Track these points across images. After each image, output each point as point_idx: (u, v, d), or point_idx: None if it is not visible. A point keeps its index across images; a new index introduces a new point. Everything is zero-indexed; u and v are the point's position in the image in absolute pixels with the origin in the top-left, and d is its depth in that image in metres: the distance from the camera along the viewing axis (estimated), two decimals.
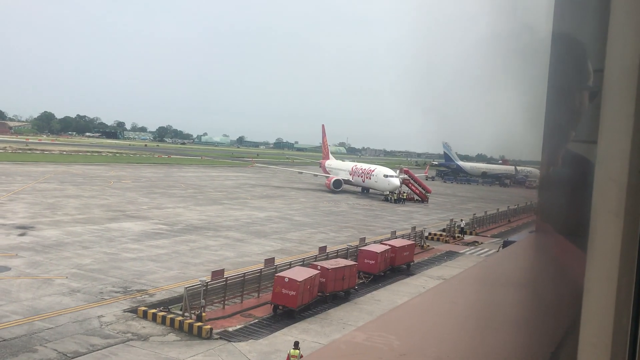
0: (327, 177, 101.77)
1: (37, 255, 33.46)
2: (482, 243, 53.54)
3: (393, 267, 37.40)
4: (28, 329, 21.59)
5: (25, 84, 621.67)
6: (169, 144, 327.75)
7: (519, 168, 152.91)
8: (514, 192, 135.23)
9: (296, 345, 20.82)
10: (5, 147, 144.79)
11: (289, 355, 20.65)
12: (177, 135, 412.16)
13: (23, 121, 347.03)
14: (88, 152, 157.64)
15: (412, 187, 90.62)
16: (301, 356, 20.13)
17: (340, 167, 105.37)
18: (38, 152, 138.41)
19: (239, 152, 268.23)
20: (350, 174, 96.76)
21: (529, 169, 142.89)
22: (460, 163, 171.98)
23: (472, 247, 50.92)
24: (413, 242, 42.88)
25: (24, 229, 40.98)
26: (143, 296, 27.31)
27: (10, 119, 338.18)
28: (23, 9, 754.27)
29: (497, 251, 42.90)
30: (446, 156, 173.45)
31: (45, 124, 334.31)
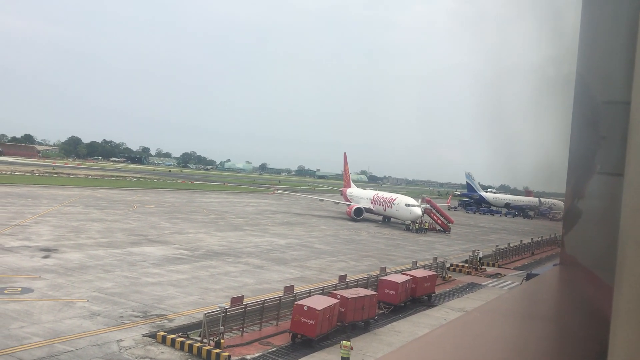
0: (348, 205, 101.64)
1: (60, 277, 33.80)
2: (504, 275, 52.66)
3: (414, 298, 36.93)
4: (48, 351, 21.70)
5: (54, 109, 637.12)
6: (193, 170, 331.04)
7: (543, 200, 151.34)
8: (537, 223, 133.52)
9: (348, 337, 25.12)
10: (33, 170, 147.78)
11: (341, 345, 24.13)
12: (201, 161, 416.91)
13: (51, 145, 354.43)
14: (113, 176, 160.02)
15: (434, 217, 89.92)
16: (351, 348, 23.98)
17: (361, 196, 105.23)
18: (64, 175, 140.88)
19: (261, 179, 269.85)
20: (372, 203, 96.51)
21: (553, 200, 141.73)
22: (483, 193, 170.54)
23: (495, 280, 50.08)
24: (434, 273, 42.36)
25: (47, 251, 41.52)
26: (162, 321, 27.32)
27: (39, 143, 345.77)
28: (51, 37, 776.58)
29: (521, 284, 42.14)
30: (469, 186, 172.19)
31: (72, 148, 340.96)
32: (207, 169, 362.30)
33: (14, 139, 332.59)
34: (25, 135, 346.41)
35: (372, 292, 32.13)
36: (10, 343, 22.00)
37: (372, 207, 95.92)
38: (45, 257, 39.43)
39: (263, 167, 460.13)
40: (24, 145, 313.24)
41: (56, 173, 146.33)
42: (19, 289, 30.10)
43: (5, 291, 29.45)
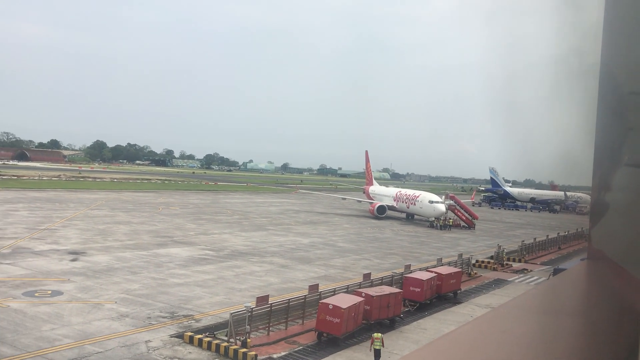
0: (370, 203, 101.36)
1: (88, 280, 34.36)
2: (531, 271, 52.02)
3: (439, 295, 36.71)
4: (78, 352, 22.08)
5: (79, 114, 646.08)
6: (216, 171, 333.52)
7: (568, 193, 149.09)
8: (564, 218, 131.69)
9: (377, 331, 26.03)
10: (60, 175, 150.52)
11: (372, 338, 24.85)
12: (224, 162, 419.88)
13: (76, 150, 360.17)
14: (138, 179, 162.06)
15: (458, 213, 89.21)
16: (382, 340, 24.87)
17: (384, 193, 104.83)
18: (90, 179, 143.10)
19: (283, 179, 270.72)
20: (395, 200, 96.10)
21: (579, 194, 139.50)
22: (508, 188, 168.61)
23: (521, 275, 49.49)
24: (460, 269, 42.03)
25: (76, 254, 42.22)
26: (189, 321, 27.59)
27: (65, 148, 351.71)
28: (74, 43, 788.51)
29: (548, 279, 41.69)
30: (493, 181, 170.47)
31: (98, 152, 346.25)
32: (230, 170, 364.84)
33: (40, 144, 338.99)
34: (52, 140, 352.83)
35: (397, 290, 32.02)
36: (42, 345, 22.44)
37: (395, 205, 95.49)
38: (74, 260, 40.10)
39: (285, 167, 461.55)
40: (51, 150, 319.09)
41: (82, 177, 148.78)
42: (49, 292, 30.68)
43: (36, 294, 30.05)
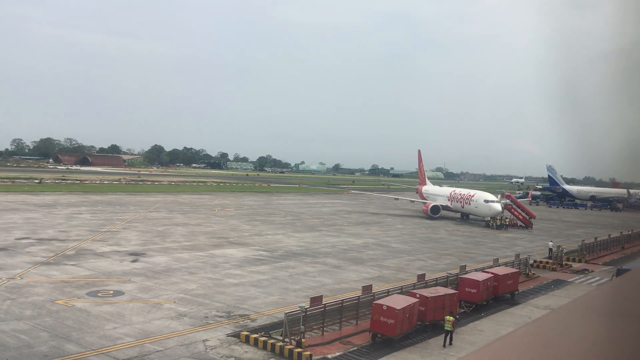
0: (424, 203, 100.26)
1: (148, 280, 35.41)
2: (592, 271, 50.22)
3: (496, 296, 35.93)
4: (139, 350, 22.78)
5: (137, 120, 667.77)
6: (269, 173, 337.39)
7: (632, 191, 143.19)
8: (627, 216, 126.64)
9: (450, 313, 28.14)
10: (120, 178, 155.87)
11: (445, 319, 27.10)
12: (276, 164, 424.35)
13: (135, 154, 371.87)
14: (194, 182, 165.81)
15: (515, 213, 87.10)
16: (454, 321, 27.19)
17: (437, 193, 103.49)
18: (149, 183, 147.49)
19: (335, 180, 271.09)
20: (449, 200, 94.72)
21: None
22: (567, 186, 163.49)
23: (582, 276, 47.83)
24: (517, 270, 41.00)
25: (136, 255, 43.60)
26: (245, 321, 28.02)
27: (124, 153, 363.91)
28: (131, 52, 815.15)
29: (611, 279, 40.18)
30: (550, 179, 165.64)
31: (155, 156, 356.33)
32: (282, 172, 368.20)
33: (101, 149, 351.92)
34: (112, 145, 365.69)
35: (453, 291, 31.54)
36: (105, 343, 23.28)
37: (449, 205, 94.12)
38: (134, 261, 41.42)
39: (337, 168, 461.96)
40: (111, 155, 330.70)
41: (141, 181, 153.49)
42: (111, 292, 31.80)
43: (99, 294, 31.20)
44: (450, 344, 26.66)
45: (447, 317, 27.24)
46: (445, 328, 26.97)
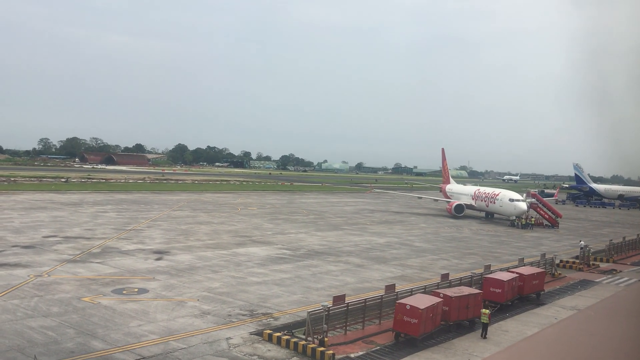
0: (448, 201, 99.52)
1: (172, 278, 35.73)
2: (620, 271, 49.24)
3: (521, 296, 35.43)
4: (164, 348, 22.97)
5: (161, 119, 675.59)
6: (292, 172, 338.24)
7: None
8: None
9: (485, 306, 28.99)
10: (144, 177, 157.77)
11: (482, 312, 27.94)
12: (299, 163, 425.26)
13: (159, 153, 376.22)
14: (217, 181, 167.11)
15: (541, 212, 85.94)
16: (490, 315, 28.09)
17: (461, 192, 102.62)
18: (173, 181, 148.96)
19: (358, 178, 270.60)
20: (473, 199, 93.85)
21: None
22: (594, 185, 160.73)
23: (610, 276, 46.92)
24: (543, 269, 40.38)
25: (160, 253, 44.03)
26: (268, 319, 28.07)
27: (149, 152, 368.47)
28: (153, 51, 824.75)
29: (639, 280, 39.20)
30: (577, 178, 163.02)
31: (179, 155, 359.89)
32: (305, 171, 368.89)
33: (126, 148, 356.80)
34: (137, 145, 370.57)
35: (477, 291, 31.16)
36: (130, 340, 23.52)
37: (473, 203, 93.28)
38: (158, 259, 41.83)
39: (359, 167, 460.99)
40: (136, 154, 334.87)
41: (165, 179, 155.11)
42: (136, 290, 32.16)
43: (124, 292, 31.57)
44: (485, 337, 27.35)
45: (483, 310, 28.10)
46: (482, 321, 27.81)
